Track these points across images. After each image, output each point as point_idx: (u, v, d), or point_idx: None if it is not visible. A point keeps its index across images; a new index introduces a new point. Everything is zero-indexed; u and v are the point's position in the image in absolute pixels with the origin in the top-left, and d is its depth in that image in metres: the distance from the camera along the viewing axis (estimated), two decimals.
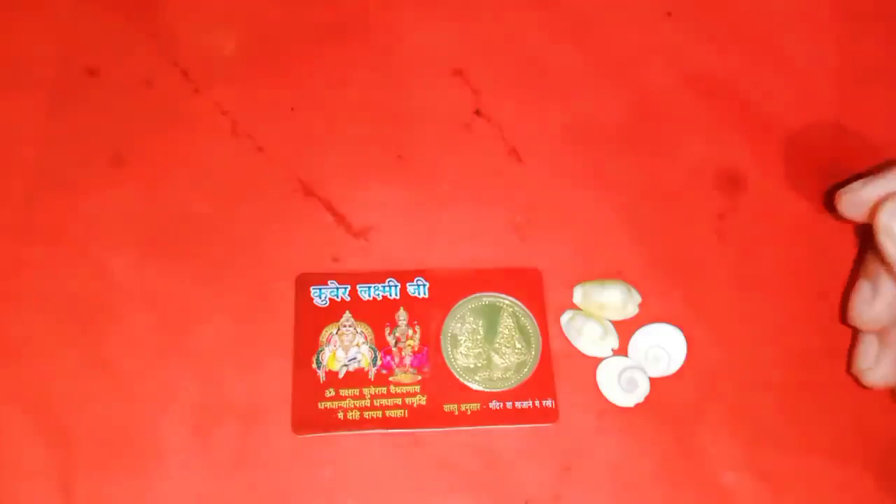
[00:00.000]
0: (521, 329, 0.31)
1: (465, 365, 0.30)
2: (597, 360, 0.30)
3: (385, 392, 0.29)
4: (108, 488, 0.28)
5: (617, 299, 0.31)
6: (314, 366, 0.30)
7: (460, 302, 0.31)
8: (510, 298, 0.31)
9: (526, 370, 0.30)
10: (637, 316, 0.31)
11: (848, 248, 0.33)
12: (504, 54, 0.36)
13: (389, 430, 0.29)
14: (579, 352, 0.31)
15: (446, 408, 0.29)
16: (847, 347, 0.31)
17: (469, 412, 0.29)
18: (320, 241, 0.32)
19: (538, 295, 0.31)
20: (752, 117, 0.35)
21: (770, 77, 0.36)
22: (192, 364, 0.30)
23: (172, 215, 0.32)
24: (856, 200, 0.29)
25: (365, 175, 0.33)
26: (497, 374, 0.30)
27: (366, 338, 0.30)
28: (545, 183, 0.34)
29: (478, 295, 0.31)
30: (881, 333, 0.29)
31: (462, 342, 0.30)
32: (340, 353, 0.30)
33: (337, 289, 0.31)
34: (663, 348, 0.30)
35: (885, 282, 0.29)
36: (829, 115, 0.35)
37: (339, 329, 0.30)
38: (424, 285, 0.31)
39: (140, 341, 0.30)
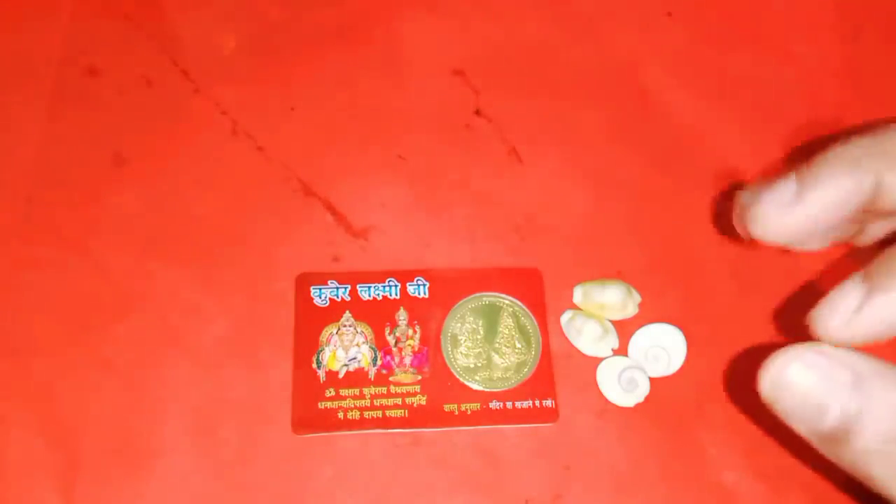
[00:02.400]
0: (521, 329, 0.31)
1: (465, 365, 0.30)
2: (597, 360, 0.30)
3: (385, 392, 0.29)
4: (108, 487, 0.28)
5: (617, 299, 0.31)
6: (314, 366, 0.30)
7: (460, 302, 0.31)
8: (510, 298, 0.31)
9: (526, 370, 0.30)
10: (637, 316, 0.31)
11: (846, 247, 0.33)
12: (504, 54, 0.36)
13: (389, 430, 0.29)
14: (579, 352, 0.31)
15: (446, 408, 0.29)
16: None
17: (469, 412, 0.29)
18: (320, 241, 0.32)
19: (538, 295, 0.31)
20: (753, 117, 0.35)
21: (771, 77, 0.36)
22: (192, 364, 0.30)
23: (172, 215, 0.32)
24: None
25: (365, 175, 0.33)
26: (497, 374, 0.30)
27: (366, 338, 0.30)
28: (545, 183, 0.34)
29: (478, 295, 0.31)
30: (870, 275, 0.21)
31: (462, 342, 0.30)
32: (340, 353, 0.30)
33: (337, 289, 0.31)
34: (663, 348, 0.30)
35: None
36: (829, 115, 0.35)
37: (339, 329, 0.30)
38: (424, 285, 0.31)
39: (140, 341, 0.30)
